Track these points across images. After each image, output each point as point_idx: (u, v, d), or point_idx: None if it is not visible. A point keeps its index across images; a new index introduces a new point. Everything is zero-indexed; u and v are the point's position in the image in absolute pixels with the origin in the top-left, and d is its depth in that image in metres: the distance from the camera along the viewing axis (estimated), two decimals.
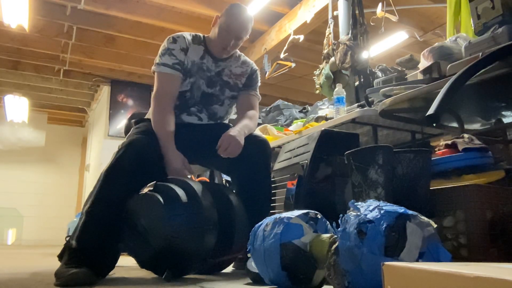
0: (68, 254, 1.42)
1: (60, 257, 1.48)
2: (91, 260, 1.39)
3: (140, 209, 1.45)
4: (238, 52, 1.95)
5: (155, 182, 1.53)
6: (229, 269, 1.83)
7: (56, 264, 1.45)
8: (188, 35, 1.82)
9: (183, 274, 1.46)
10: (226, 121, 1.96)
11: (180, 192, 1.44)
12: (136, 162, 1.51)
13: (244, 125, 1.75)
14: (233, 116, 1.99)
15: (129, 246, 1.49)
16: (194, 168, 1.92)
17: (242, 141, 1.67)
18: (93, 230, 1.45)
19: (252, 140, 1.75)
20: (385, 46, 4.81)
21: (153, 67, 1.78)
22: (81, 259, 1.38)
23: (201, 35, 1.87)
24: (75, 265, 1.35)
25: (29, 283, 1.34)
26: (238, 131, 1.68)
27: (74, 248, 1.42)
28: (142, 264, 1.51)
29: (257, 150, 1.75)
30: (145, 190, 1.48)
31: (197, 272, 1.60)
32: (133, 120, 1.84)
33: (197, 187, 1.49)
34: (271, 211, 1.84)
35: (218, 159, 1.72)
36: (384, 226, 0.84)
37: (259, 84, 1.97)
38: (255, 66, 1.98)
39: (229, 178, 2.65)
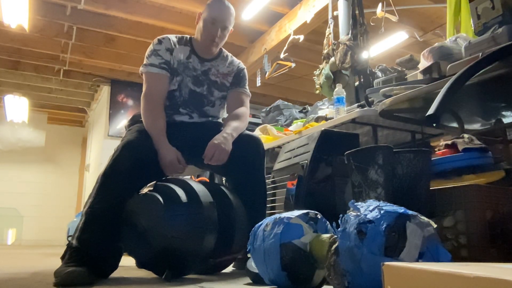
0: (68, 254, 1.43)
1: (63, 257, 1.48)
2: (90, 259, 1.39)
3: (140, 209, 1.45)
4: (226, 52, 1.96)
5: (155, 182, 1.53)
6: (229, 269, 1.83)
7: (55, 264, 1.45)
8: (173, 36, 1.85)
9: (183, 274, 1.46)
10: (220, 120, 1.94)
11: (180, 192, 1.44)
12: (132, 163, 1.51)
13: (232, 128, 1.73)
14: (225, 114, 1.98)
15: (129, 246, 1.49)
16: (192, 168, 1.91)
17: (229, 147, 1.65)
18: (92, 230, 1.45)
19: (244, 140, 1.73)
20: (385, 46, 4.82)
21: (140, 69, 1.82)
22: (80, 258, 1.39)
23: (188, 36, 1.90)
24: (73, 264, 1.36)
25: (29, 283, 1.34)
26: (223, 138, 1.66)
27: (74, 248, 1.43)
28: (141, 264, 1.51)
29: (250, 150, 1.73)
30: (145, 190, 1.48)
31: (197, 272, 1.60)
32: (126, 124, 1.86)
33: (197, 187, 1.49)
34: (271, 211, 1.85)
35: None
36: (384, 226, 0.84)
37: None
38: (242, 65, 1.99)
39: None
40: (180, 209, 1.39)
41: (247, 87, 1.97)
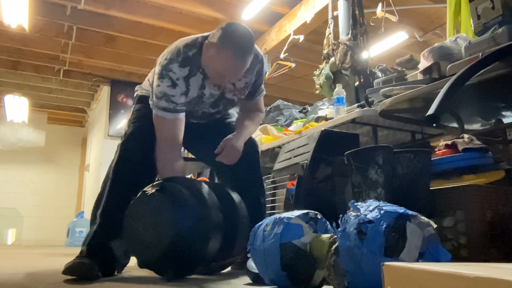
0: (82, 249, 1.50)
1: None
2: (101, 256, 1.45)
3: (147, 210, 1.45)
4: None
5: (162, 181, 1.53)
6: (228, 269, 1.83)
7: (55, 264, 1.45)
8: (183, 67, 1.54)
9: (185, 275, 1.46)
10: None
11: (188, 194, 1.43)
12: (141, 152, 1.54)
13: (246, 132, 1.72)
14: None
15: (133, 246, 1.49)
16: (191, 168, 1.92)
17: (241, 149, 1.66)
18: (107, 232, 1.50)
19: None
20: (385, 46, 4.81)
21: (153, 109, 1.58)
22: (91, 254, 1.45)
23: (196, 53, 1.56)
24: (83, 258, 1.43)
25: (29, 283, 1.34)
26: (240, 140, 1.66)
27: (88, 247, 1.48)
28: (144, 264, 1.51)
29: (248, 151, 1.73)
30: (153, 190, 1.46)
31: (198, 273, 1.60)
32: (134, 103, 1.81)
33: (204, 189, 1.48)
34: (271, 211, 1.85)
35: (211, 157, 1.73)
36: (384, 226, 0.84)
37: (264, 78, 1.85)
38: (259, 65, 1.69)
39: None
40: (188, 211, 1.39)
41: (262, 86, 1.81)
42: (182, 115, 1.59)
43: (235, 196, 1.60)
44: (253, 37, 1.55)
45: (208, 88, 1.62)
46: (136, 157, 1.53)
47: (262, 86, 1.81)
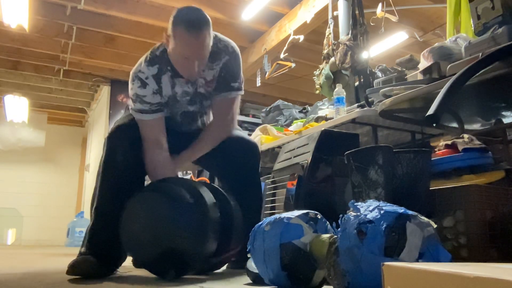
0: (84, 248, 1.50)
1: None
2: (103, 253, 1.46)
3: (144, 209, 1.45)
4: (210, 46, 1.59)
5: (154, 182, 1.53)
6: (227, 269, 1.83)
7: (55, 264, 1.45)
8: (151, 65, 1.58)
9: (185, 273, 1.46)
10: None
11: (184, 192, 1.43)
12: (128, 144, 1.54)
13: (192, 150, 1.70)
14: None
15: (130, 246, 1.49)
16: (189, 165, 1.93)
17: (174, 171, 1.65)
18: (104, 225, 1.50)
19: (241, 147, 1.75)
20: (385, 46, 4.81)
21: (132, 113, 1.62)
22: (93, 252, 1.46)
23: (163, 51, 1.60)
24: (87, 254, 1.44)
25: (29, 283, 1.34)
26: (176, 164, 1.66)
27: (88, 245, 1.49)
28: (141, 263, 1.51)
29: (247, 156, 1.75)
30: (147, 190, 1.48)
31: (196, 272, 1.60)
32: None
33: (200, 188, 1.48)
34: (271, 211, 1.85)
35: (207, 161, 1.76)
36: (384, 226, 0.84)
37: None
38: (227, 57, 1.65)
39: None
40: (185, 209, 1.39)
41: (233, 83, 1.69)
42: (160, 115, 1.61)
43: (228, 195, 1.61)
44: (206, 15, 1.53)
45: (180, 86, 1.64)
46: (123, 149, 1.53)
47: (236, 85, 1.70)
